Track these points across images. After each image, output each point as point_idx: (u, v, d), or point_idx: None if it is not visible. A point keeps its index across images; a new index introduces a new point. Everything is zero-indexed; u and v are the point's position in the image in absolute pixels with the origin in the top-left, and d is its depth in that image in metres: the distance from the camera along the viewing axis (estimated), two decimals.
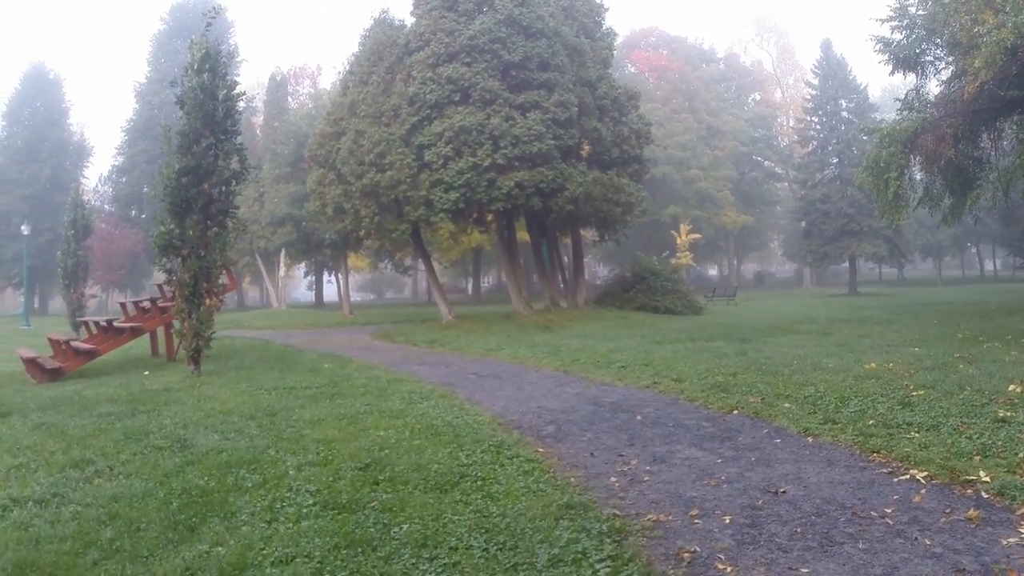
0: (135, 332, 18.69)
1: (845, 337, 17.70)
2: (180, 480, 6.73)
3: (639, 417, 9.25)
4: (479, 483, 6.42)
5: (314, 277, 64.45)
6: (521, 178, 24.27)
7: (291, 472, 6.89)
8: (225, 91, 16.37)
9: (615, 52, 32.90)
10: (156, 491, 6.40)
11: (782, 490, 6.03)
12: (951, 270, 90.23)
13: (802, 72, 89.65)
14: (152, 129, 60.59)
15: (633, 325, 24.82)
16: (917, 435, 7.32)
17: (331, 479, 6.60)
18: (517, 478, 6.53)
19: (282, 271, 53.21)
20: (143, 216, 62.44)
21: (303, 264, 60.31)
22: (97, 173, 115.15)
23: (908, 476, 6.20)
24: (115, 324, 18.38)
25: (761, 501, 5.79)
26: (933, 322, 21.83)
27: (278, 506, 5.93)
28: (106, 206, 67.85)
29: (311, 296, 74.03)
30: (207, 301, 15.57)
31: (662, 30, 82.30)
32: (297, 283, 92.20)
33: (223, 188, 16.16)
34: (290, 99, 61.03)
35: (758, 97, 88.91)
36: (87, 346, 17.14)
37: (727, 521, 5.38)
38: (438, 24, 25.43)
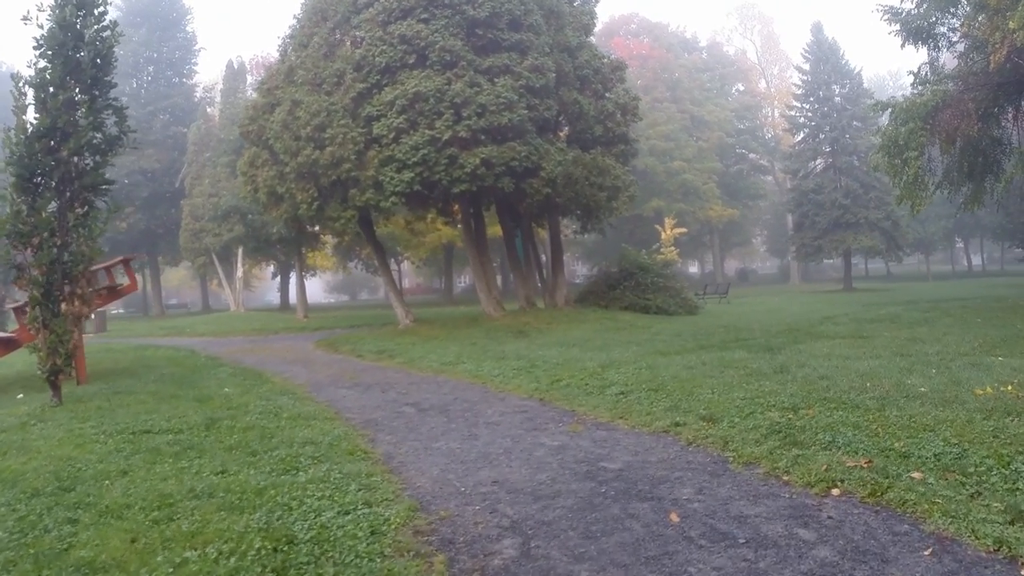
0: (8, 345, 15.72)
1: (890, 342, 13.82)
2: None
3: (674, 516, 5.26)
4: None
5: (282, 277, 60.93)
6: (488, 155, 20.36)
7: None
8: (94, 29, 12.52)
9: (596, 21, 28.93)
10: None
11: None
12: (938, 265, 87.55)
13: (788, 62, 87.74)
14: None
15: (623, 328, 20.88)
16: None
17: None
18: None
19: (239, 271, 50.12)
20: None
21: (271, 265, 58.12)
22: None
23: None
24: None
25: None
26: (976, 320, 18.10)
27: None
28: None
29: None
30: (64, 306, 12.08)
31: (643, 16, 78.94)
32: (269, 285, 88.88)
33: (94, 158, 12.70)
34: (250, 90, 57.58)
35: (742, 87, 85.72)
36: None
37: None
38: None
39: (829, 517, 4.98)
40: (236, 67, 53.91)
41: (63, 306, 12.04)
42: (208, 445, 8.09)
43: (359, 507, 5.65)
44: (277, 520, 5.37)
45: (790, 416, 7.53)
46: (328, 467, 6.87)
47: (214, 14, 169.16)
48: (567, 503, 5.62)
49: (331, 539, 4.99)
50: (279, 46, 26.12)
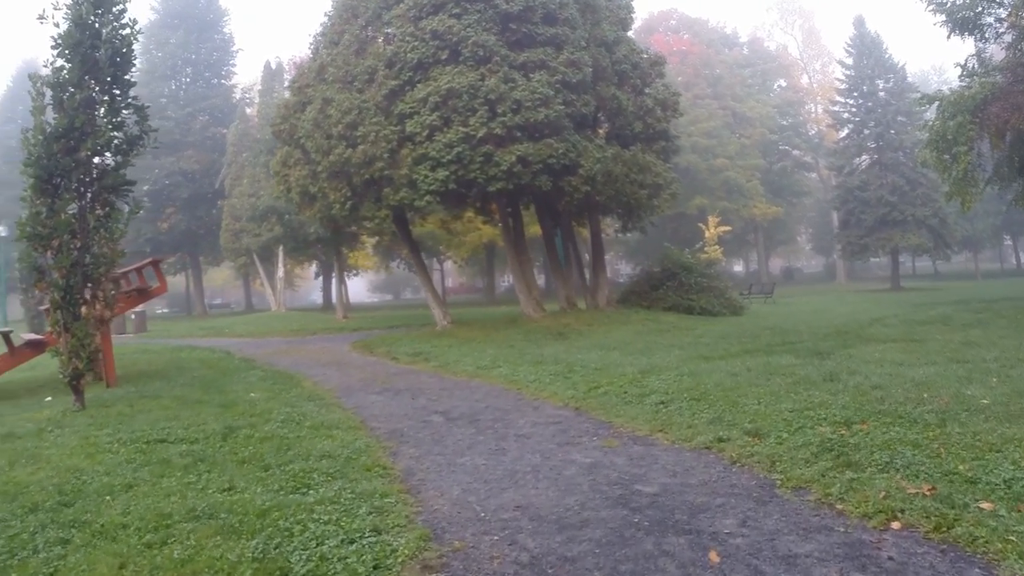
0: (36, 348, 15.21)
1: (944, 347, 13.03)
2: None
3: (714, 556, 4.63)
4: None
5: (325, 277, 61.08)
6: (525, 152, 19.78)
7: None
8: (112, 26, 12.25)
9: (633, 16, 28.15)
10: None
11: None
12: (986, 263, 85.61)
13: (830, 56, 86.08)
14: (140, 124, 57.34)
15: (666, 330, 20.18)
16: None
17: None
18: None
19: (280, 271, 49.87)
20: (140, 213, 58.87)
21: (313, 264, 58.49)
22: None
23: None
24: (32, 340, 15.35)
25: None
26: None
27: None
28: None
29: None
30: (84, 310, 11.79)
31: (682, 12, 78.11)
32: (312, 284, 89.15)
33: (115, 158, 12.49)
34: (287, 91, 57.66)
35: (784, 83, 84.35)
36: None
37: None
38: None
39: (890, 558, 4.36)
40: (274, 68, 53.86)
41: (84, 309, 11.76)
42: (221, 457, 7.68)
43: (366, 534, 5.15)
44: (275, 549, 4.91)
45: (843, 432, 6.91)
46: (341, 485, 6.38)
47: (250, 15, 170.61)
48: (595, 535, 5.05)
49: (329, 573, 4.50)
50: (310, 44, 25.75)
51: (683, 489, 5.98)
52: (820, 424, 7.25)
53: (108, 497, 6.36)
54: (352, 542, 4.99)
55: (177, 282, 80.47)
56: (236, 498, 6.09)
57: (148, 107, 13.10)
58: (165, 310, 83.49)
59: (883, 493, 5.25)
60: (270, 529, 5.29)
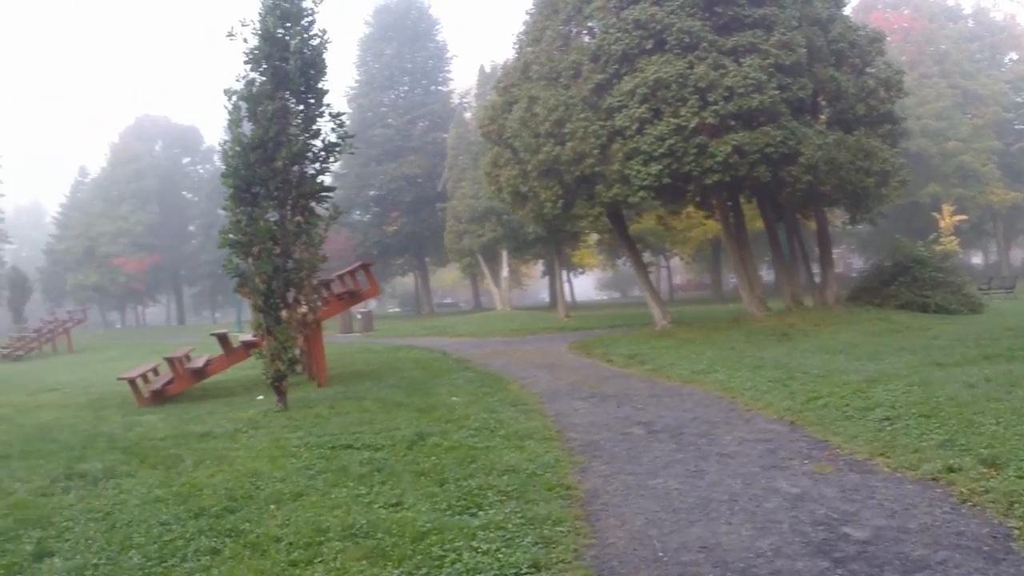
0: (251, 348, 15.62)
1: None
2: None
3: None
4: None
5: (550, 276, 61.35)
6: (740, 141, 18.69)
7: None
8: (299, 39, 12.56)
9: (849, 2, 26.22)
10: None
11: None
12: None
13: None
14: (363, 132, 60.54)
15: (897, 331, 18.39)
16: None
17: None
18: None
19: (504, 271, 50.62)
20: (367, 218, 63.71)
21: (540, 263, 59.51)
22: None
23: None
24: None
25: None
26: None
27: None
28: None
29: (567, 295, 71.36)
30: (285, 314, 12.23)
31: None
32: (540, 282, 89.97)
33: (313, 165, 12.84)
34: (493, 92, 58.51)
35: (1015, 56, 77.37)
36: (197, 365, 15.66)
37: None
38: None
39: None
40: (488, 71, 54.54)
41: (284, 313, 12.13)
42: (401, 468, 7.47)
43: (523, 571, 4.64)
44: None
45: None
46: (513, 508, 5.89)
47: (461, 24, 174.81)
48: None
49: None
50: (514, 43, 25.63)
51: (900, 536, 5.01)
52: None
53: (273, 506, 6.34)
54: None
55: (407, 283, 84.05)
56: (399, 516, 5.81)
57: (343, 115, 13.20)
58: (396, 310, 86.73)
59: None
60: (421, 556, 4.95)
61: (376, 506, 6.11)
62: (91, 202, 77.96)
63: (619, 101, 19.60)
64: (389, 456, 7.98)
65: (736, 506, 5.85)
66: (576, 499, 6.25)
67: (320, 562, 4.94)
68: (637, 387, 13.08)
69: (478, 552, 4.92)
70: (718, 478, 6.69)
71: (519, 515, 5.66)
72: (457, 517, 5.69)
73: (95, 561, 5.33)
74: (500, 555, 4.86)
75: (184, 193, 78.97)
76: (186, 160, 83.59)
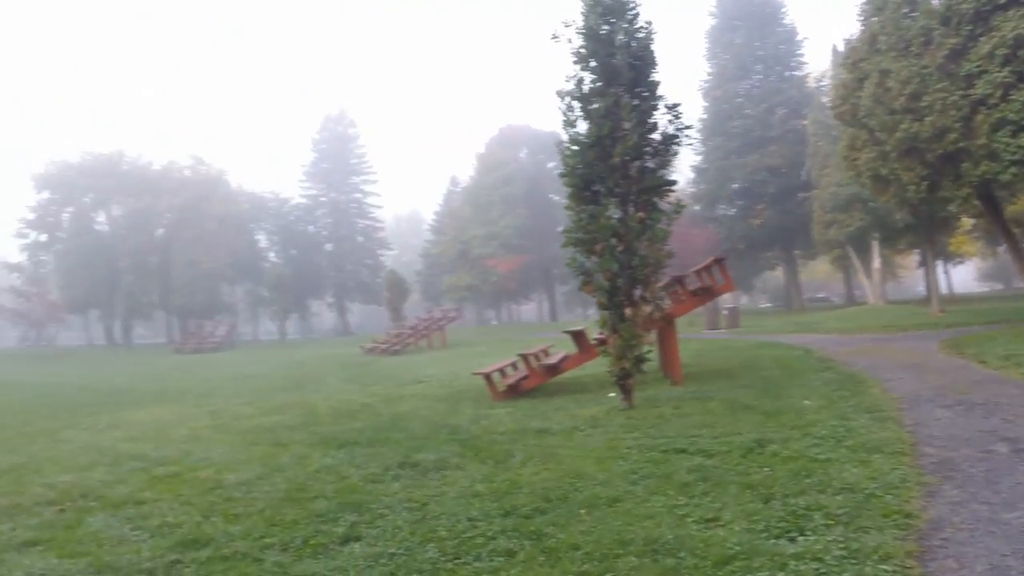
0: (601, 344, 15.72)
1: None
2: None
3: None
4: None
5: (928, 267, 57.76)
6: None
7: None
8: (623, 34, 12.52)
9: None
10: None
11: None
12: None
13: None
14: (721, 125, 61.37)
15: None
16: None
17: None
18: None
19: (876, 262, 48.30)
20: (732, 212, 63.41)
21: (915, 253, 56.79)
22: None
23: None
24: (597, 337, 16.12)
25: None
26: None
27: None
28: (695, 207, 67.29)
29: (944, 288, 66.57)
30: (628, 311, 12.21)
31: None
32: (916, 274, 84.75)
33: (656, 159, 12.66)
34: (841, 70, 55.79)
35: None
36: (551, 361, 15.98)
37: None
38: None
39: None
40: (840, 51, 51.66)
41: (628, 311, 12.12)
42: (729, 478, 6.97)
43: None
44: None
45: None
46: (838, 535, 5.22)
47: (809, 4, 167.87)
48: None
49: None
50: (858, 15, 23.99)
51: None
52: None
53: (584, 511, 6.22)
54: None
55: (777, 277, 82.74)
56: (709, 534, 5.39)
57: (678, 106, 12.90)
58: (768, 305, 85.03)
59: None
60: None
61: (689, 520, 5.78)
62: (462, 208, 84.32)
63: (977, 66, 17.96)
64: (720, 464, 7.58)
65: None
66: (914, 530, 5.38)
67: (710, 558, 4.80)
68: (1012, 394, 11.29)
69: None
70: None
71: (842, 546, 5.02)
72: (772, 541, 5.21)
73: (393, 551, 5.54)
74: None
75: (551, 196, 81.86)
76: (551, 164, 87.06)
